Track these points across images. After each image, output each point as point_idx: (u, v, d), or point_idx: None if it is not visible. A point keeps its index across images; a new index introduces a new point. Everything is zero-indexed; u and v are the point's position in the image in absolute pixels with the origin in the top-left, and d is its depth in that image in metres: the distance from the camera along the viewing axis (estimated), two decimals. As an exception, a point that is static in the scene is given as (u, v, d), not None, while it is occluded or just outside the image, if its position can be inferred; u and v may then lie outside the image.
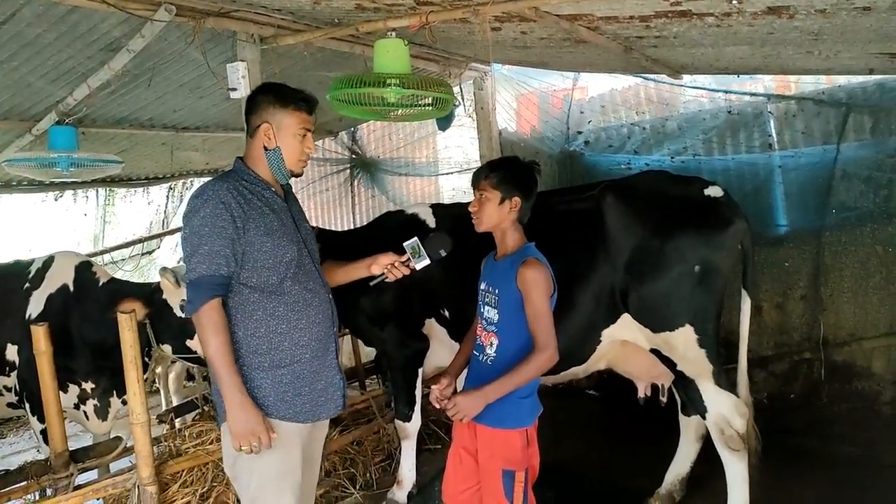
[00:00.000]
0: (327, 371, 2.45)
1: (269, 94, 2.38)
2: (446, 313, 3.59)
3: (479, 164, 5.97)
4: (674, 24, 3.16)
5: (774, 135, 5.01)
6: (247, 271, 2.28)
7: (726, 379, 3.14)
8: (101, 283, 3.83)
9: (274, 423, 2.29)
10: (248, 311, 2.30)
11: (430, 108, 3.35)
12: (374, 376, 5.30)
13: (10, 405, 3.88)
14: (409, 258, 2.53)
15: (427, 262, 2.52)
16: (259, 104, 2.38)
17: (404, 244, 2.54)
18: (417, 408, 3.77)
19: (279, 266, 2.32)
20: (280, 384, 2.32)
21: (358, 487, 3.98)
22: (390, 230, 3.74)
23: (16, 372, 3.71)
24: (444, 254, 2.54)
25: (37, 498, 3.35)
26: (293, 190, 2.60)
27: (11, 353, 3.70)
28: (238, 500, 3.28)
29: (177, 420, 4.26)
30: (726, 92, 5.23)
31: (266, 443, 2.21)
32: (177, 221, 9.27)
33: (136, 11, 3.11)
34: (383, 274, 2.55)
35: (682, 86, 5.38)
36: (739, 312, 3.26)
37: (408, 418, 3.77)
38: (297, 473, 2.35)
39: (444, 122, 5.59)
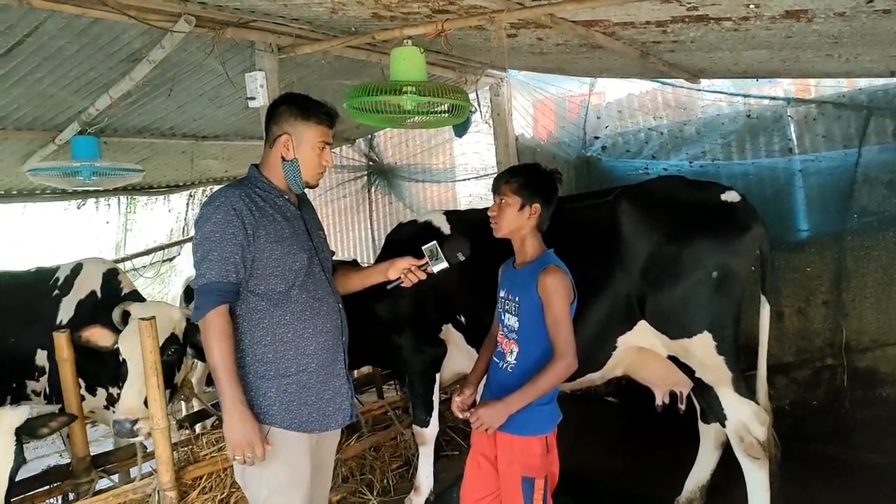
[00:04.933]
0: (335, 381, 2.43)
1: (292, 106, 2.38)
2: (463, 319, 3.59)
3: (495, 171, 5.98)
4: (691, 29, 3.15)
5: (794, 139, 4.95)
6: (255, 279, 2.28)
7: (746, 386, 3.11)
8: (122, 294, 3.87)
9: (280, 433, 2.28)
10: (255, 319, 2.30)
11: (447, 114, 3.35)
12: (391, 382, 5.31)
13: (37, 409, 3.94)
14: (426, 262, 2.52)
15: (445, 265, 2.51)
16: (281, 114, 2.38)
17: (423, 247, 2.53)
18: (435, 413, 3.77)
19: (288, 274, 2.32)
20: (285, 393, 2.31)
21: (375, 493, 3.99)
22: (408, 240, 3.76)
23: (45, 377, 3.76)
24: (462, 258, 2.54)
25: (59, 502, 3.40)
26: (309, 197, 2.61)
27: (41, 358, 3.76)
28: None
29: (197, 426, 4.30)
30: (745, 96, 5.19)
31: (260, 455, 2.19)
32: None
33: (157, 23, 3.16)
34: (399, 278, 2.54)
35: (700, 90, 5.34)
36: (759, 318, 3.23)
37: (425, 424, 3.77)
38: (305, 482, 2.34)
39: (461, 129, 5.60)
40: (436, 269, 2.52)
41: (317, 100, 2.43)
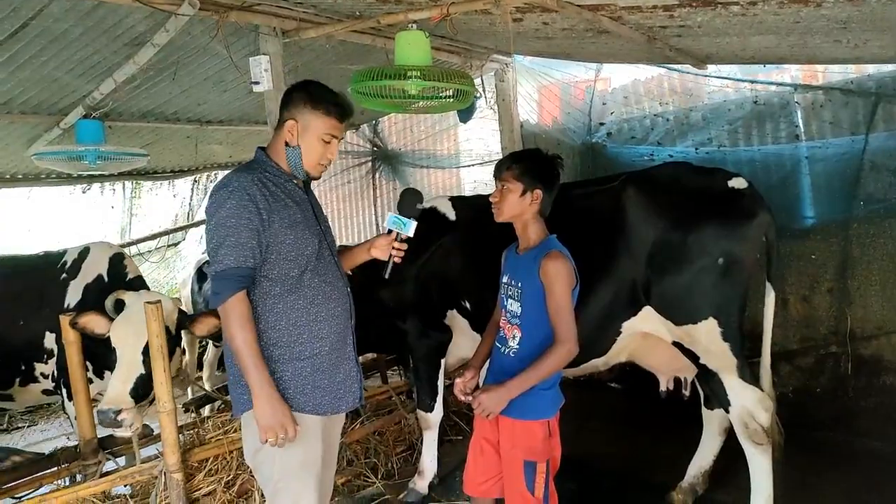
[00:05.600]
0: (346, 363, 2.47)
1: (303, 93, 2.36)
2: (468, 304, 3.60)
3: (500, 156, 5.95)
4: (698, 14, 3.12)
5: (801, 125, 4.92)
6: (269, 263, 2.29)
7: (750, 372, 3.11)
8: (127, 278, 3.89)
9: (296, 416, 2.29)
10: (269, 303, 2.31)
11: (452, 100, 3.34)
12: (396, 367, 5.33)
13: (45, 392, 3.98)
14: (398, 234, 2.54)
15: (413, 223, 2.52)
16: (292, 100, 2.37)
17: (386, 224, 2.56)
18: (440, 399, 3.79)
19: (301, 258, 2.33)
20: (300, 376, 2.33)
21: (380, 477, 4.02)
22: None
23: (54, 359, 3.80)
24: (420, 207, 2.57)
25: (67, 484, 3.43)
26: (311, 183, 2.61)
27: (49, 341, 3.79)
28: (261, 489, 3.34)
29: (205, 408, 4.33)
30: (752, 82, 5.14)
31: (292, 435, 2.21)
32: (201, 214, 9.37)
33: (161, 6, 3.15)
34: (391, 258, 2.55)
35: (706, 76, 5.30)
36: (764, 305, 3.23)
37: (430, 409, 3.79)
38: (318, 465, 2.38)
39: (466, 114, 5.59)
40: (410, 232, 2.53)
41: (333, 91, 2.40)
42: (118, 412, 2.96)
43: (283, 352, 2.32)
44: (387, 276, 2.58)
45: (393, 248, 2.53)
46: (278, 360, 2.31)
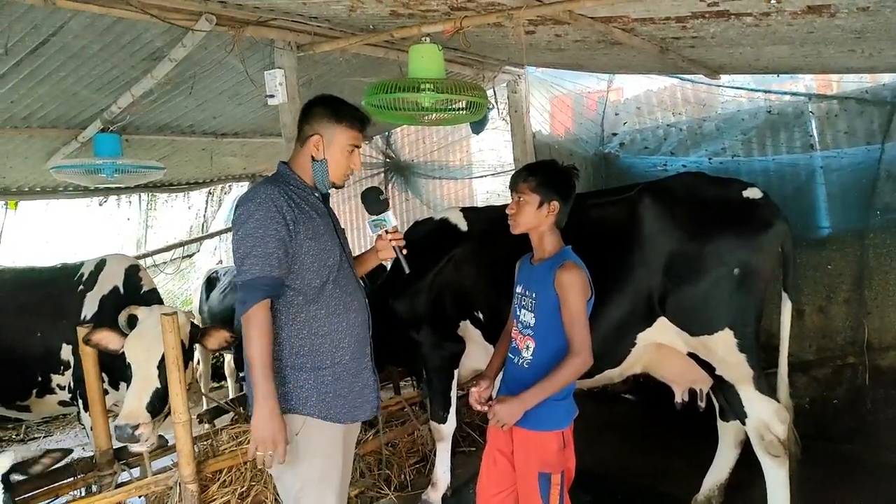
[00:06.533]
0: (364, 373, 2.50)
1: (325, 108, 2.44)
2: (481, 315, 3.60)
3: (512, 167, 5.98)
4: (711, 25, 3.12)
5: (816, 135, 4.89)
6: (293, 274, 2.34)
7: (767, 384, 3.08)
8: (142, 291, 3.92)
9: (317, 424, 2.33)
10: (292, 313, 2.36)
11: (464, 111, 3.36)
12: (408, 378, 5.33)
13: (61, 403, 4.00)
14: (384, 230, 2.60)
15: (389, 212, 2.60)
16: (314, 115, 2.44)
17: (371, 231, 2.63)
18: (453, 410, 3.78)
19: (323, 269, 2.38)
20: (322, 384, 2.37)
21: (392, 488, 4.01)
22: (425, 237, 3.78)
23: (70, 371, 3.83)
24: (384, 197, 2.62)
25: (82, 494, 3.45)
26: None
27: (66, 352, 3.82)
28: (276, 500, 3.34)
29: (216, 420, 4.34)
30: (766, 92, 5.13)
31: (280, 455, 2.22)
32: (216, 225, 9.45)
33: (178, 22, 3.20)
34: (398, 251, 2.61)
35: (719, 86, 5.29)
36: (780, 316, 3.20)
37: (443, 420, 3.78)
38: (338, 476, 2.40)
39: (478, 126, 5.60)
40: (395, 221, 2.61)
41: (350, 104, 2.49)
42: (135, 427, 2.97)
43: (305, 360, 2.36)
44: (408, 270, 2.63)
45: (392, 242, 2.59)
46: (301, 368, 2.35)
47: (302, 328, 2.36)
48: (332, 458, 2.38)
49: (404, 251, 2.61)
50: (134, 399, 3.06)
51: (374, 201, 2.60)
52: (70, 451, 3.17)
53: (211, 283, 6.26)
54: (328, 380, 2.38)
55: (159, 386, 3.10)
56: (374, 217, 2.60)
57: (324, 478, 2.35)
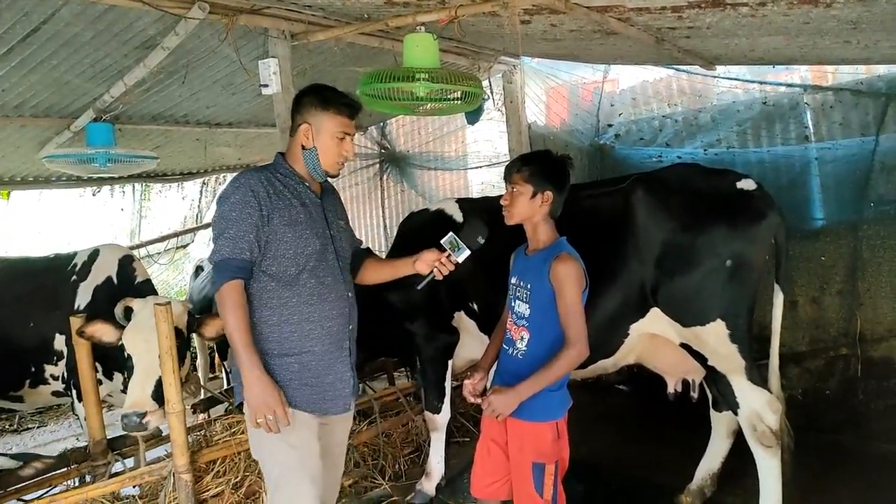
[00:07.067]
0: (338, 367, 2.49)
1: (313, 96, 2.45)
2: (475, 306, 3.60)
3: (508, 158, 5.96)
4: (707, 15, 3.11)
5: (811, 126, 4.89)
6: (268, 259, 2.36)
7: (759, 374, 3.10)
8: (136, 281, 3.91)
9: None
10: (265, 298, 2.38)
11: (460, 102, 3.35)
12: (403, 369, 5.34)
13: (54, 393, 4.00)
14: (448, 254, 2.52)
15: (467, 253, 2.51)
16: (303, 104, 2.46)
17: (441, 242, 2.54)
18: (447, 400, 3.79)
19: (299, 257, 2.39)
20: (287, 371, 2.38)
21: (387, 479, 4.02)
22: (420, 228, 3.77)
23: (63, 361, 3.82)
24: (482, 241, 2.53)
25: (76, 484, 3.46)
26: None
27: (59, 342, 3.82)
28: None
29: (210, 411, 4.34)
30: (761, 83, 5.12)
31: (282, 415, 2.24)
32: (210, 216, 9.43)
33: (171, 9, 3.17)
34: (432, 273, 2.54)
35: (715, 77, 5.28)
36: (772, 307, 3.21)
37: (437, 410, 3.79)
38: (314, 461, 2.39)
39: (473, 116, 5.59)
40: (460, 258, 2.52)
41: (340, 91, 2.49)
42: (143, 415, 2.99)
43: (272, 346, 2.38)
44: (419, 288, 2.59)
45: (441, 262, 2.52)
46: (267, 353, 2.37)
47: (272, 314, 2.38)
48: (307, 444, 2.38)
49: (438, 277, 2.54)
50: (138, 388, 3.08)
51: (472, 234, 2.51)
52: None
53: (198, 273, 6.30)
54: (294, 367, 2.39)
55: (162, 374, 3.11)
56: (457, 239, 2.50)
57: (300, 463, 2.35)
